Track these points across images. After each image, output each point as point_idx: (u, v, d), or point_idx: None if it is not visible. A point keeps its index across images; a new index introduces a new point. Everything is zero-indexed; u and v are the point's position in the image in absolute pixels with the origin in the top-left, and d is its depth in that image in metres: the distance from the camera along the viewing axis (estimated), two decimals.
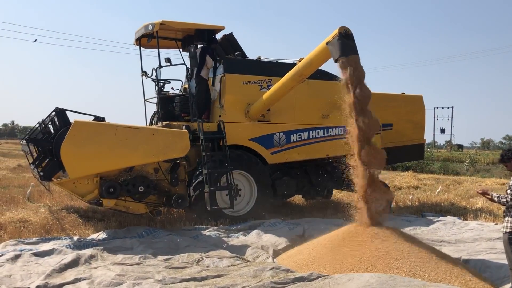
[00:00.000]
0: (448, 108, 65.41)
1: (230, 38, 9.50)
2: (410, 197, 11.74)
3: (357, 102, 5.74)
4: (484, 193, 4.77)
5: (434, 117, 63.84)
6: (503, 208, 4.75)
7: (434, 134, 64.79)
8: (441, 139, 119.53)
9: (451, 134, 64.86)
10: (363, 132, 5.69)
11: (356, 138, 5.74)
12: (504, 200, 4.59)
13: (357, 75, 5.89)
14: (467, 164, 27.69)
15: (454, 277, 4.57)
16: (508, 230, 4.56)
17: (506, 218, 4.61)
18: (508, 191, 4.57)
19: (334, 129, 9.50)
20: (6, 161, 21.30)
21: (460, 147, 60.94)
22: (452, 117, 64.27)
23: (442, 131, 64.91)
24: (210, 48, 8.82)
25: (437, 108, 65.38)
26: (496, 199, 4.66)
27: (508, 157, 4.78)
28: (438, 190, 13.00)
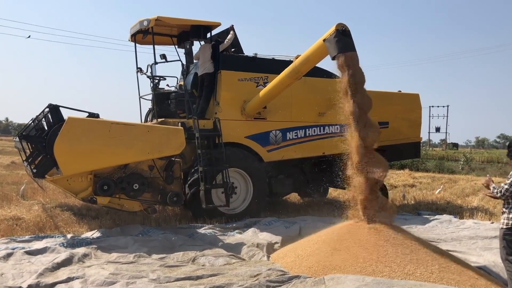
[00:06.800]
0: (444, 106, 65.63)
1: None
2: (402, 194, 11.70)
3: (357, 110, 5.59)
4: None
5: (430, 116, 64.03)
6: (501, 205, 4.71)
7: (429, 132, 64.98)
8: (436, 138, 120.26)
9: (446, 132, 65.05)
10: (364, 141, 5.54)
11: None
12: (496, 191, 4.54)
13: (357, 80, 5.72)
14: (462, 162, 27.73)
15: (457, 275, 4.52)
16: (504, 227, 4.55)
17: (503, 215, 4.58)
18: (504, 185, 4.50)
19: (330, 127, 9.47)
20: (0, 158, 21.17)
21: (455, 145, 61.10)
22: (447, 116, 64.46)
23: (437, 129, 65.06)
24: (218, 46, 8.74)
25: (433, 106, 65.49)
26: (492, 189, 4.61)
27: None
28: (439, 189, 12.92)
